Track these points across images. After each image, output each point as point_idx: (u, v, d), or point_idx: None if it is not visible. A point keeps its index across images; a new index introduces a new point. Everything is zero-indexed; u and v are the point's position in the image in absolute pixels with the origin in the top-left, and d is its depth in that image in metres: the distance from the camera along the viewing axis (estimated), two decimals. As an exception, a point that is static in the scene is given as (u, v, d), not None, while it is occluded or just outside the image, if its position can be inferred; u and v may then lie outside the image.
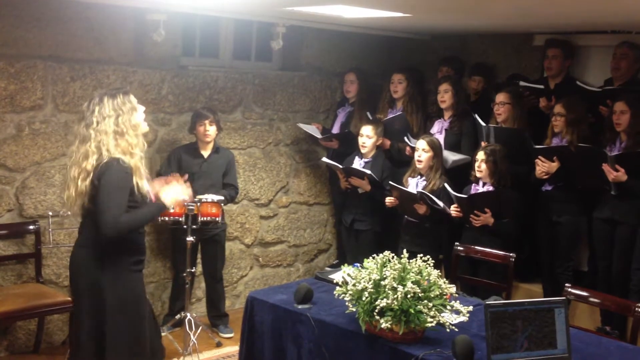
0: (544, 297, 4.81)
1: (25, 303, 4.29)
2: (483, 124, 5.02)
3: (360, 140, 5.28)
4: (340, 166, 5.36)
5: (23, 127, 4.57)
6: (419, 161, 4.89)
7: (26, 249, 4.68)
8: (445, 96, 5.26)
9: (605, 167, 4.41)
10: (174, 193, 3.40)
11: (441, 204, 4.69)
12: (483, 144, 4.93)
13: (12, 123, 4.53)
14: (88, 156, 3.17)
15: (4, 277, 4.63)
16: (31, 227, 4.63)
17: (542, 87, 5.19)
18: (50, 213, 4.63)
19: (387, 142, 5.44)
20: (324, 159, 5.68)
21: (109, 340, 3.26)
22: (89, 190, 3.17)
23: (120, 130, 3.20)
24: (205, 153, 5.03)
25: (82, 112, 3.26)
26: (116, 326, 3.26)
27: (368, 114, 5.71)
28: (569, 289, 3.78)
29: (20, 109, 4.55)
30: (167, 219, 4.64)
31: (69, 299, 4.14)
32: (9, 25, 4.43)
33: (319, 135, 5.90)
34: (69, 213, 3.27)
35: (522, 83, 5.26)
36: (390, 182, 4.96)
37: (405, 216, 5.04)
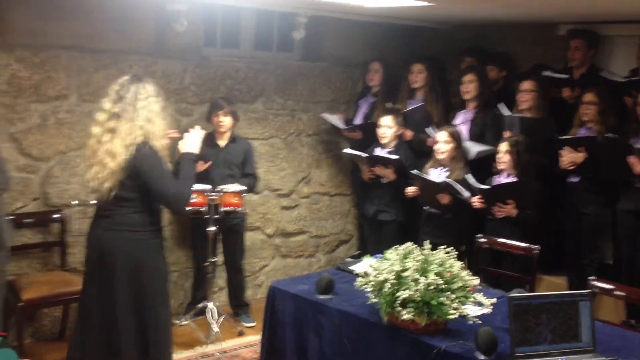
0: (569, 289, 4.78)
1: (50, 290, 4.35)
2: (507, 113, 4.97)
3: (380, 131, 5.25)
4: (364, 155, 5.33)
5: (48, 117, 4.62)
6: (441, 152, 4.86)
7: (51, 238, 4.74)
8: (469, 87, 5.20)
9: (631, 159, 4.35)
10: (189, 139, 3.51)
11: (466, 193, 4.65)
12: (506, 134, 4.89)
13: (36, 112, 4.58)
14: (133, 133, 3.23)
15: (29, 265, 4.69)
16: (56, 215, 4.69)
17: (566, 76, 5.13)
18: (75, 202, 4.68)
19: (409, 133, 5.40)
20: (346, 150, 5.66)
21: (153, 319, 3.37)
22: (125, 170, 3.22)
23: (161, 112, 3.33)
24: (222, 143, 5.04)
25: (116, 92, 3.29)
26: (157, 305, 3.39)
27: (390, 103, 5.67)
28: (594, 282, 3.74)
29: (45, 99, 4.60)
30: (188, 208, 4.66)
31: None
32: (33, 16, 4.47)
33: (342, 126, 5.88)
34: (95, 187, 3.30)
35: (546, 72, 5.20)
36: (412, 172, 4.93)
37: (426, 207, 5.01)
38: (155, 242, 3.41)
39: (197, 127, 3.60)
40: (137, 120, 3.24)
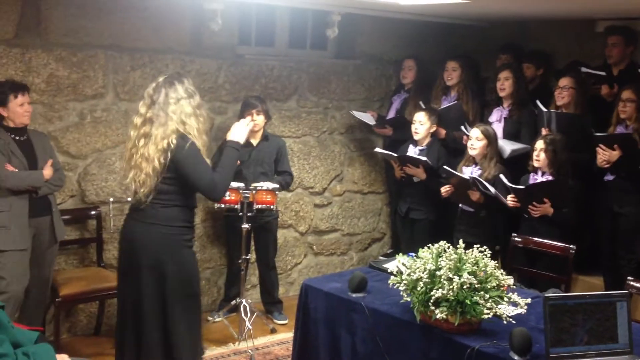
0: (605, 289, 4.70)
1: (87, 286, 4.43)
2: (544, 109, 4.90)
3: (413, 127, 5.23)
4: (395, 155, 5.33)
5: (85, 115, 4.70)
6: (473, 149, 4.82)
7: (88, 234, 4.82)
8: (505, 84, 5.15)
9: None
10: (236, 128, 3.57)
11: (493, 190, 4.60)
12: (544, 130, 4.83)
13: (74, 111, 4.66)
14: (167, 137, 3.26)
15: (66, 260, 4.78)
16: (93, 212, 4.76)
17: (604, 73, 5.05)
18: (111, 199, 4.75)
19: (442, 131, 5.37)
20: (377, 149, 5.66)
21: (175, 318, 3.37)
22: (163, 168, 3.26)
23: (194, 112, 3.34)
24: (255, 141, 5.06)
25: (149, 96, 3.33)
26: (181, 303, 3.38)
27: (421, 103, 5.64)
28: (632, 282, 3.68)
29: (83, 97, 4.67)
30: (222, 206, 4.70)
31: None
32: (72, 15, 4.54)
33: (372, 122, 5.87)
34: (140, 191, 3.34)
35: (583, 69, 5.12)
36: (444, 167, 4.91)
37: (460, 206, 4.98)
38: (184, 238, 3.41)
39: (247, 120, 3.64)
40: (169, 125, 3.27)
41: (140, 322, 3.37)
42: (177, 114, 3.28)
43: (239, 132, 3.55)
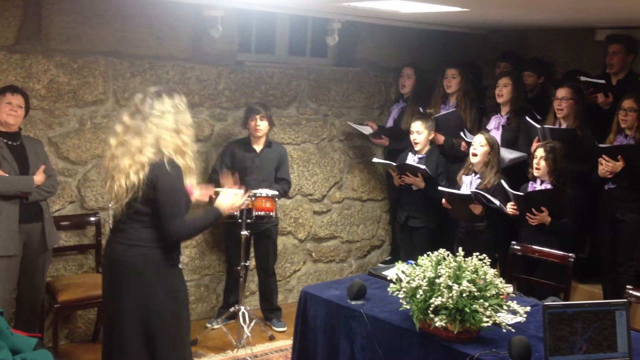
0: (604, 298, 4.70)
1: (85, 293, 4.41)
2: (537, 125, 4.90)
3: (412, 137, 5.24)
4: (393, 164, 5.34)
5: (85, 121, 4.70)
6: (474, 155, 4.81)
7: (87, 240, 4.81)
8: (503, 90, 5.15)
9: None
10: (230, 200, 3.41)
11: (497, 202, 4.60)
12: (536, 143, 4.83)
13: (74, 117, 4.67)
14: (143, 149, 3.13)
15: (65, 266, 4.77)
16: (92, 218, 4.76)
17: (603, 81, 5.06)
18: (111, 205, 4.74)
19: (441, 138, 5.37)
20: (375, 159, 5.67)
21: (160, 337, 3.26)
22: (141, 187, 3.13)
23: (178, 128, 3.18)
24: (258, 148, 5.07)
25: (135, 105, 3.20)
26: (166, 323, 3.26)
27: (420, 109, 5.65)
28: (630, 291, 3.68)
29: (83, 104, 4.68)
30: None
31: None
32: (72, 22, 4.55)
33: (367, 132, 5.87)
34: (112, 205, 3.28)
35: (582, 78, 5.13)
36: (439, 188, 4.91)
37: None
38: (169, 257, 3.26)
39: (240, 191, 3.50)
40: (147, 137, 3.13)
41: (122, 343, 3.24)
42: (156, 127, 3.14)
43: (228, 203, 3.37)
